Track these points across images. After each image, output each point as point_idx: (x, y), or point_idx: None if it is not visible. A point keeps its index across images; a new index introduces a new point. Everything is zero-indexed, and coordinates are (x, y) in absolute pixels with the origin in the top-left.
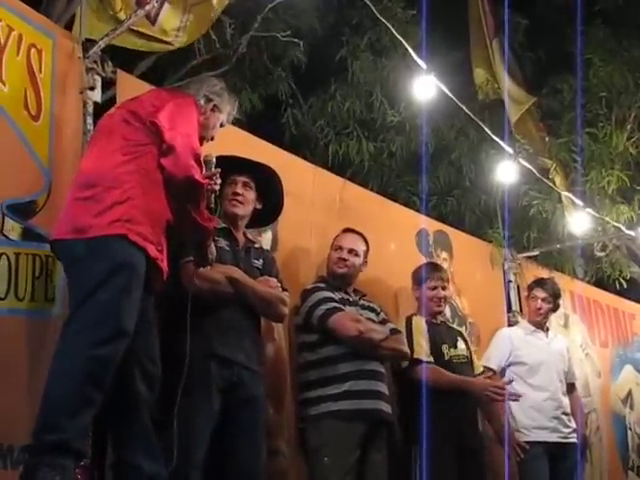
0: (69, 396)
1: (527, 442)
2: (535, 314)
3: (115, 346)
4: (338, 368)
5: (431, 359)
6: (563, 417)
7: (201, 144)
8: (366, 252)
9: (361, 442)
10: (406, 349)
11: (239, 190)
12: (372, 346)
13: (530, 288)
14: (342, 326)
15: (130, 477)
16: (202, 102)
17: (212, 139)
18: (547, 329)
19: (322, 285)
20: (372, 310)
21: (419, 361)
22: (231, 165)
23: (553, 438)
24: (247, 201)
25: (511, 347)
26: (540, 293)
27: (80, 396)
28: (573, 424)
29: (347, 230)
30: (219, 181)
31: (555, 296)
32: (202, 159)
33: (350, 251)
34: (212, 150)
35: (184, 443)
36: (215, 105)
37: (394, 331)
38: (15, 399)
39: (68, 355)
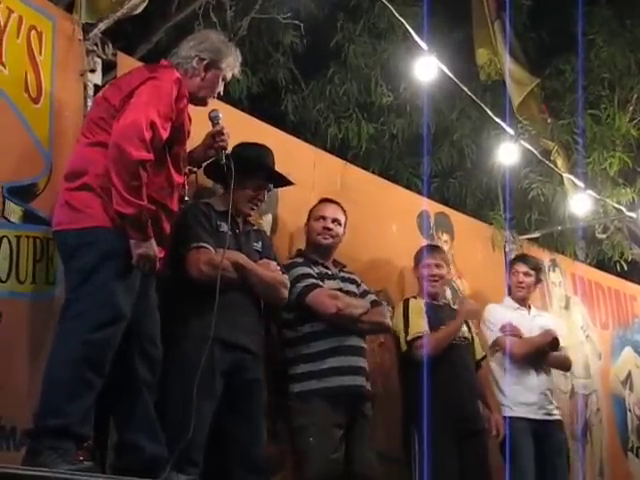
0: (68, 381)
1: (511, 417)
2: (517, 289)
3: (112, 329)
4: (319, 345)
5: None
6: (548, 393)
7: (205, 104)
8: (345, 222)
9: (346, 419)
10: (388, 321)
11: (262, 197)
12: (352, 321)
13: (511, 264)
14: (320, 304)
15: (132, 458)
16: (194, 63)
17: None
18: (529, 306)
19: (300, 260)
20: (353, 282)
21: (416, 338)
22: (261, 169)
23: (539, 415)
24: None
25: (504, 313)
26: (521, 267)
27: (79, 380)
28: (554, 401)
29: (326, 200)
30: (226, 137)
31: (536, 270)
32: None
33: (334, 220)
34: None
35: (186, 426)
36: (208, 63)
37: (375, 303)
38: (17, 381)
39: (65, 340)
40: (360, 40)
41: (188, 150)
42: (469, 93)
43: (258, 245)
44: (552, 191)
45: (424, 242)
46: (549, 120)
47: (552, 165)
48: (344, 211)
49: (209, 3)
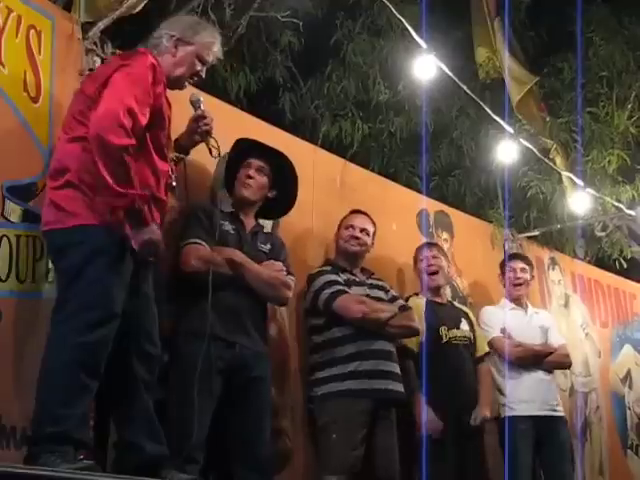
0: (62, 386)
1: (514, 417)
2: (515, 287)
3: (104, 330)
4: (345, 349)
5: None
6: (552, 389)
7: (181, 86)
8: (374, 233)
9: (369, 420)
10: (416, 325)
11: (252, 173)
12: (379, 326)
13: (503, 264)
14: (346, 309)
15: (132, 457)
16: (165, 41)
17: (197, 75)
18: (526, 305)
19: (327, 268)
20: (381, 288)
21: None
22: (250, 148)
23: (542, 411)
24: (258, 186)
25: (500, 315)
26: (517, 264)
27: (74, 385)
28: (558, 398)
29: (356, 211)
30: (209, 121)
31: (531, 266)
32: (191, 101)
33: (362, 230)
34: (216, 133)
35: (185, 425)
36: (178, 38)
37: (403, 308)
38: (18, 381)
39: (58, 343)
40: (359, 38)
41: (174, 138)
42: (468, 91)
43: (266, 247)
44: (551, 189)
45: (424, 240)
46: (548, 118)
47: (551, 163)
48: (373, 222)
49: (207, 1)
